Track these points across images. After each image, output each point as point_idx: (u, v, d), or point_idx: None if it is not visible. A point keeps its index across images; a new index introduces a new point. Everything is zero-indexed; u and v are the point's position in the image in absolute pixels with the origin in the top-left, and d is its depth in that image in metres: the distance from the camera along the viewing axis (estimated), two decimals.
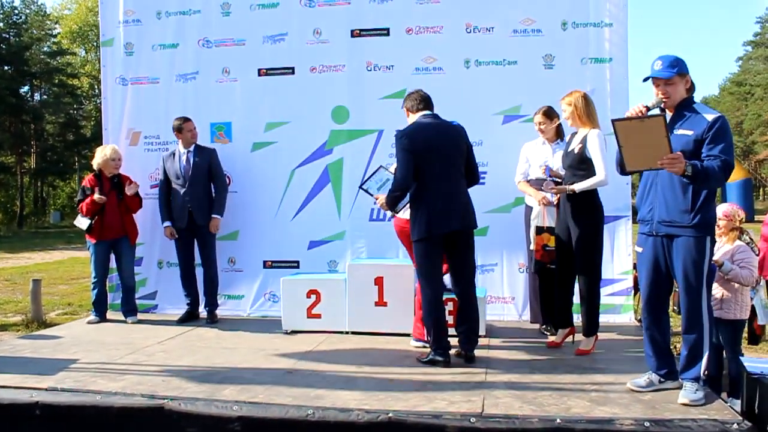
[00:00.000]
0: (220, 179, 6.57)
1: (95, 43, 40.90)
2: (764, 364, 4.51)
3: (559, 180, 5.25)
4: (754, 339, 5.79)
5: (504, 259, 6.46)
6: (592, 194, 5.05)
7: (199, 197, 6.45)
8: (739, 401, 4.43)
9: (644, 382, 4.11)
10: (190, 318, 6.55)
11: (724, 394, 4.56)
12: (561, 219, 5.21)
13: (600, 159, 4.93)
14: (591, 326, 5.14)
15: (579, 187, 4.97)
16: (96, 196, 6.36)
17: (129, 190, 6.48)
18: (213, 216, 6.48)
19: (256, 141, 6.81)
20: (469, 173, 4.99)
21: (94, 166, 6.59)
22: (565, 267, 5.21)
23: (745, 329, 5.26)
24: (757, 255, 5.10)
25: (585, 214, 5.03)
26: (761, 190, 46.76)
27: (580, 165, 5.01)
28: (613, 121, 3.79)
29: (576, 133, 5.17)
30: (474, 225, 4.94)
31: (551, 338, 5.43)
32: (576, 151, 5.04)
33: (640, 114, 3.81)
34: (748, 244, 5.01)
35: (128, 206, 6.55)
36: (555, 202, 5.32)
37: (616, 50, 6.19)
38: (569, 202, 5.09)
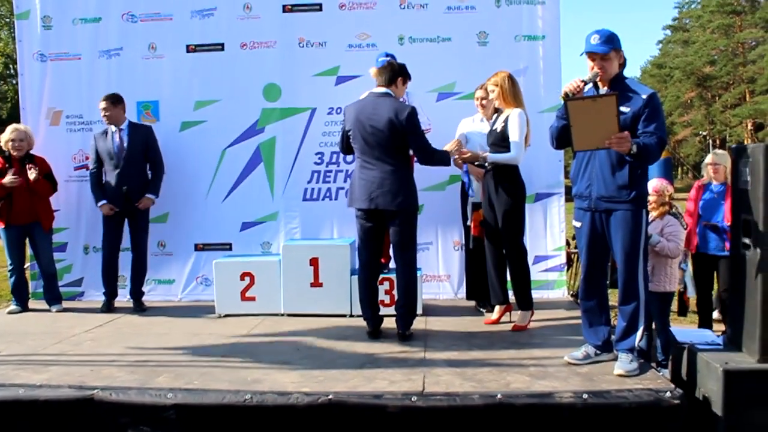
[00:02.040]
0: (157, 159, 6.26)
1: (7, 20, 38.89)
2: (690, 333, 4.69)
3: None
4: (683, 310, 5.98)
5: (439, 238, 6.46)
6: (512, 171, 5.13)
7: (134, 178, 6.14)
8: (667, 370, 4.58)
9: (581, 354, 4.18)
10: (110, 309, 6.23)
11: (653, 365, 4.68)
12: (485, 197, 5.27)
13: (515, 138, 5.03)
14: (525, 301, 5.22)
15: (491, 157, 5.11)
16: (7, 178, 6.01)
17: (30, 175, 6.06)
18: (147, 195, 6.16)
19: (185, 120, 6.57)
20: (416, 153, 5.01)
21: (3, 148, 6.26)
22: (494, 244, 5.27)
23: (675, 301, 5.43)
24: (685, 229, 5.27)
25: (506, 191, 5.11)
26: (680, 168, 48.61)
27: (503, 143, 5.10)
28: (565, 100, 3.81)
29: (502, 112, 5.22)
30: (394, 207, 4.83)
31: (488, 315, 5.47)
32: (498, 129, 5.14)
33: (578, 89, 3.84)
34: (676, 217, 5.16)
35: (37, 191, 6.16)
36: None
37: (549, 28, 6.24)
38: (492, 180, 5.17)
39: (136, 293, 6.27)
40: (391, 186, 4.82)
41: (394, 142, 4.83)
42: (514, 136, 5.03)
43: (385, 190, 4.82)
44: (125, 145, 6.15)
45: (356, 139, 4.91)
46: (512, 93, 5.12)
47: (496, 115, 5.33)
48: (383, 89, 4.94)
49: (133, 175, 6.15)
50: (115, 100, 6.15)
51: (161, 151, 6.36)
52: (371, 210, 4.89)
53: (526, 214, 5.36)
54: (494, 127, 5.22)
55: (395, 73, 4.99)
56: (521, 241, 5.20)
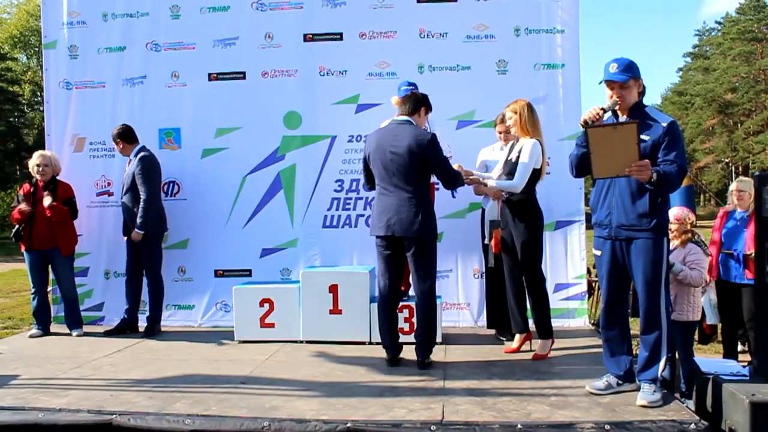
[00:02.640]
0: (143, 189, 6.14)
1: (37, 49, 39.73)
2: (715, 364, 4.60)
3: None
4: (704, 339, 5.90)
5: (459, 265, 6.43)
6: (529, 200, 5.11)
7: (126, 207, 6.25)
8: (691, 401, 4.50)
9: (603, 384, 4.12)
10: (126, 328, 6.29)
11: (676, 395, 4.60)
12: (503, 225, 5.25)
13: (523, 166, 5.00)
14: (545, 330, 5.16)
15: (493, 182, 5.13)
16: (21, 206, 6.16)
17: (45, 202, 6.15)
18: (135, 230, 6.16)
19: (207, 147, 6.65)
20: (439, 178, 5.03)
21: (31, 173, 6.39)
22: (513, 273, 5.25)
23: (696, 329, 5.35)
24: (709, 257, 5.20)
25: (523, 220, 5.09)
26: (702, 196, 48.17)
27: None
28: (586, 128, 3.80)
29: (518, 140, 5.20)
30: (411, 233, 4.82)
31: (508, 344, 5.42)
32: (513, 159, 5.12)
33: (597, 116, 3.83)
34: (699, 245, 5.09)
35: (54, 217, 6.19)
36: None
37: (568, 56, 6.26)
38: (508, 208, 5.16)
39: (149, 317, 6.30)
40: (408, 213, 4.81)
41: (414, 169, 4.82)
42: (521, 163, 5.01)
43: (402, 216, 4.81)
44: (125, 175, 6.28)
45: (376, 165, 4.93)
46: (530, 122, 5.09)
47: (512, 143, 5.31)
48: (405, 117, 4.96)
49: (126, 203, 6.25)
50: (114, 138, 6.30)
51: (183, 178, 6.40)
52: (389, 237, 4.89)
53: (546, 242, 5.33)
54: (509, 157, 5.20)
55: (419, 102, 5.02)
56: (539, 269, 5.16)
